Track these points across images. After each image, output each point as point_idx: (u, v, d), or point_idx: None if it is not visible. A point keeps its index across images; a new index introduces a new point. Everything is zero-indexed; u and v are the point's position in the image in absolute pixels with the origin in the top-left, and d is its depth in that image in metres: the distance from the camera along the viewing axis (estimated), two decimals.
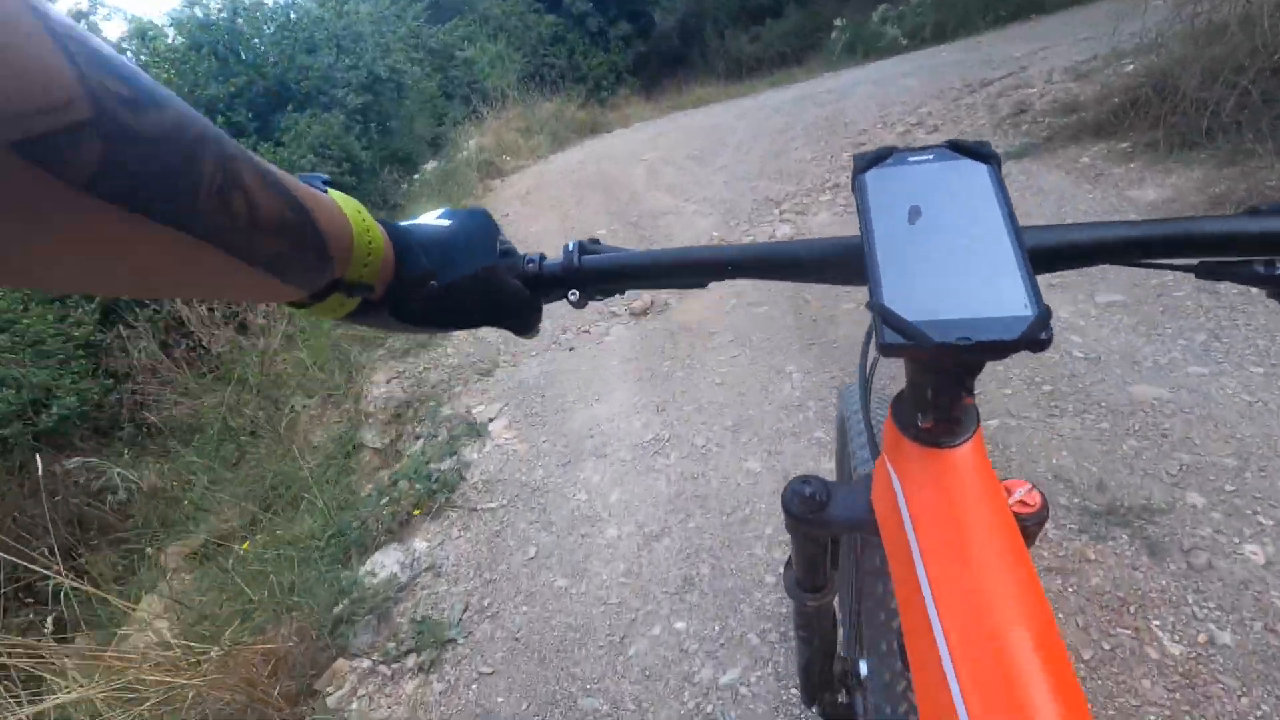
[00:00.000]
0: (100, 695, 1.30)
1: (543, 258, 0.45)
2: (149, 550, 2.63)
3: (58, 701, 1.26)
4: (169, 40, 5.74)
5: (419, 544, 1.95)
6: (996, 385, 1.79)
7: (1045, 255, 0.37)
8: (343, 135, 5.49)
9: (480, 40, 10.50)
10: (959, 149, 0.36)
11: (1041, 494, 0.43)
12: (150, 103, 0.21)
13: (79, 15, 7.07)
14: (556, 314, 3.37)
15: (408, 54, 7.15)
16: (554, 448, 2.19)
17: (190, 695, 1.39)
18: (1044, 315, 0.29)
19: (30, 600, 2.44)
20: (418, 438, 2.71)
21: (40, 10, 0.18)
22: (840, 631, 0.88)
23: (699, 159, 5.56)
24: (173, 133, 0.22)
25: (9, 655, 1.37)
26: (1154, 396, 1.58)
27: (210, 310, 3.96)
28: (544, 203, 5.41)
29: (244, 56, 5.55)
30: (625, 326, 2.99)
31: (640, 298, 3.11)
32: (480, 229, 0.42)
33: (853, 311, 2.36)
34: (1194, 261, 0.36)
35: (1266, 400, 1.50)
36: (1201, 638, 1.12)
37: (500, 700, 1.42)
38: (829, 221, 3.39)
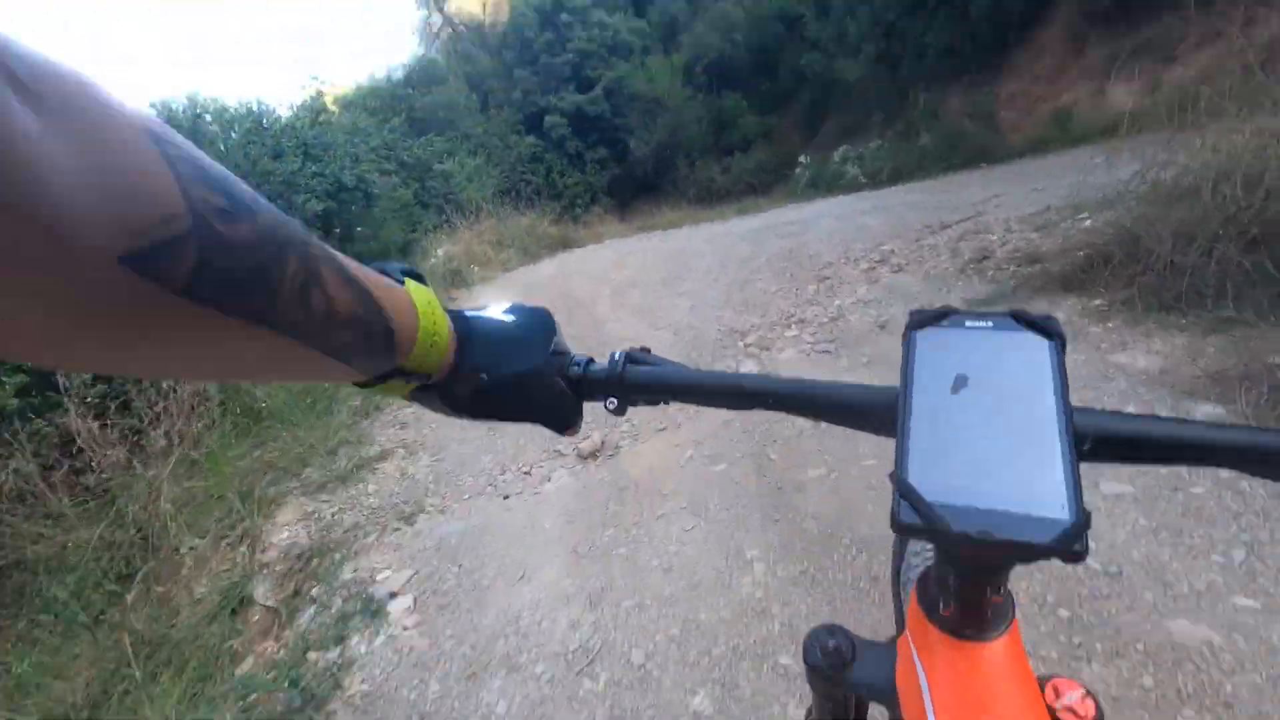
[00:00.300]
0: None
1: (590, 361, 0.45)
2: None
3: None
4: None
5: None
6: None
7: (1107, 444, 0.30)
8: None
9: (460, 155, 10.84)
10: (1021, 320, 0.33)
11: (1097, 701, 0.34)
12: (244, 211, 0.23)
13: None
14: (499, 450, 3.02)
15: (378, 164, 7.20)
16: (459, 648, 1.75)
17: None
18: (1082, 522, 0.25)
19: None
20: (312, 601, 2.25)
21: (155, 133, 0.20)
22: None
23: (666, 282, 5.49)
24: (261, 238, 0.23)
25: None
26: (1202, 640, 1.25)
27: (104, 426, 3.49)
28: None
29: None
30: (569, 472, 2.64)
31: (590, 437, 2.81)
32: (539, 328, 0.43)
33: (822, 480, 2.04)
34: None
35: None
36: None
37: None
38: (794, 358, 3.20)
